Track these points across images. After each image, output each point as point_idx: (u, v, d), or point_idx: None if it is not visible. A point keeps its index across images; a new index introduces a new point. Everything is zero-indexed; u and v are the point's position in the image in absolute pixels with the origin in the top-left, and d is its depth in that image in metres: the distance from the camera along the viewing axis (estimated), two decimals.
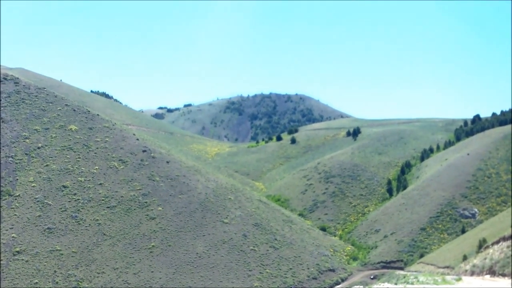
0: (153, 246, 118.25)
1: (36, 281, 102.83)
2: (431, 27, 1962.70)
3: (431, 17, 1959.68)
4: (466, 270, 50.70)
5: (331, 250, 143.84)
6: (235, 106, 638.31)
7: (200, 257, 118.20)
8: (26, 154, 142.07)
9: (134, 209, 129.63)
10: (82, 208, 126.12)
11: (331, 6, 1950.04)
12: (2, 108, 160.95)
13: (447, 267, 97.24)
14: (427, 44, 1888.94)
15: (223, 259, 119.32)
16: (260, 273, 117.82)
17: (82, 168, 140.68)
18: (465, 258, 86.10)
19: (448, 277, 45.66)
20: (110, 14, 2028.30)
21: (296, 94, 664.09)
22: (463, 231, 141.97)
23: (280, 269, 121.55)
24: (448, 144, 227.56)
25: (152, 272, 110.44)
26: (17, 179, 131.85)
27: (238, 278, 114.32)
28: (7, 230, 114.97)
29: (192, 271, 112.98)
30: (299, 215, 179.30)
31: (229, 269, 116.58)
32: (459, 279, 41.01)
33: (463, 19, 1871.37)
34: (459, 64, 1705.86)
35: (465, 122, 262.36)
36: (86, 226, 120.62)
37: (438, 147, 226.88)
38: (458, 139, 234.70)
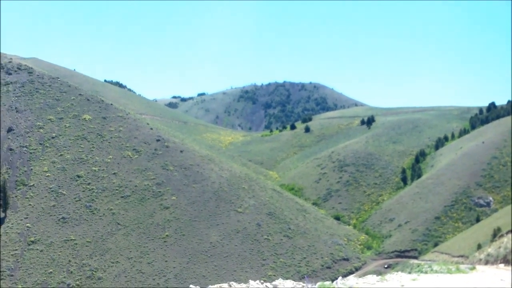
0: (167, 235, 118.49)
1: (51, 270, 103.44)
2: (446, 16, 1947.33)
3: (445, 6, 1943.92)
4: (480, 259, 50.16)
5: (345, 239, 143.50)
6: (249, 95, 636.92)
7: (214, 246, 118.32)
8: (40, 144, 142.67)
9: (148, 199, 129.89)
10: (96, 198, 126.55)
11: None
12: (16, 98, 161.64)
13: (462, 256, 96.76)
14: (442, 33, 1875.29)
15: (237, 249, 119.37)
16: (274, 262, 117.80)
17: (96, 158, 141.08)
18: (479, 247, 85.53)
19: (462, 266, 45.19)
20: (124, 4, 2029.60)
21: (310, 83, 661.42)
22: (478, 220, 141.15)
23: (294, 259, 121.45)
24: (463, 132, 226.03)
25: (166, 261, 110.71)
26: (32, 169, 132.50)
27: (252, 267, 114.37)
28: (21, 219, 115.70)
29: (206, 261, 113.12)
30: (313, 204, 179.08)
31: (243, 258, 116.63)
32: (473, 268, 40.52)
33: (480, 7, 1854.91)
34: (474, 52, 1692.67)
35: (480, 110, 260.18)
36: (100, 216, 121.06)
37: (453, 136, 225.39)
38: (473, 127, 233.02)
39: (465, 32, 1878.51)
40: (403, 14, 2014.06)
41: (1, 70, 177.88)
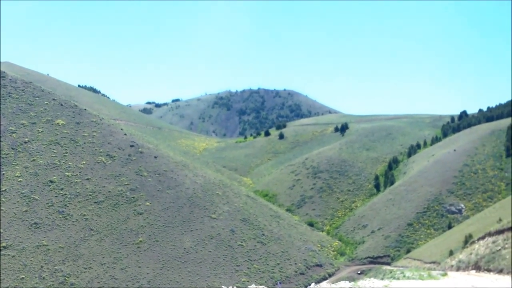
0: (140, 241, 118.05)
1: (23, 276, 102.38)
2: (417, 23, 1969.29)
3: (418, 14, 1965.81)
4: (452, 266, 50.95)
5: (319, 245, 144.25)
6: (223, 101, 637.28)
7: (187, 252, 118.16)
8: (12, 148, 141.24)
9: (122, 204, 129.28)
10: (69, 203, 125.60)
11: (319, 3, 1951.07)
12: None
13: (434, 262, 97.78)
14: (414, 40, 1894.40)
15: (211, 255, 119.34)
16: (248, 268, 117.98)
17: (69, 163, 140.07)
18: (451, 253, 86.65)
19: (434, 272, 45.91)
20: (98, 8, 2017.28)
21: (284, 90, 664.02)
22: (450, 227, 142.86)
23: (267, 265, 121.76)
24: (435, 140, 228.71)
25: (140, 267, 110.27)
26: (4, 174, 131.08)
27: (226, 273, 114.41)
28: None
29: (180, 267, 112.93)
30: (287, 210, 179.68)
31: (217, 264, 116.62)
32: (445, 275, 41.23)
33: (451, 15, 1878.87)
34: (446, 61, 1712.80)
35: (452, 118, 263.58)
36: (73, 221, 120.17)
37: (425, 143, 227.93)
38: (445, 135, 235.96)
39: (437, 42, 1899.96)
40: (376, 23, 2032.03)
41: None
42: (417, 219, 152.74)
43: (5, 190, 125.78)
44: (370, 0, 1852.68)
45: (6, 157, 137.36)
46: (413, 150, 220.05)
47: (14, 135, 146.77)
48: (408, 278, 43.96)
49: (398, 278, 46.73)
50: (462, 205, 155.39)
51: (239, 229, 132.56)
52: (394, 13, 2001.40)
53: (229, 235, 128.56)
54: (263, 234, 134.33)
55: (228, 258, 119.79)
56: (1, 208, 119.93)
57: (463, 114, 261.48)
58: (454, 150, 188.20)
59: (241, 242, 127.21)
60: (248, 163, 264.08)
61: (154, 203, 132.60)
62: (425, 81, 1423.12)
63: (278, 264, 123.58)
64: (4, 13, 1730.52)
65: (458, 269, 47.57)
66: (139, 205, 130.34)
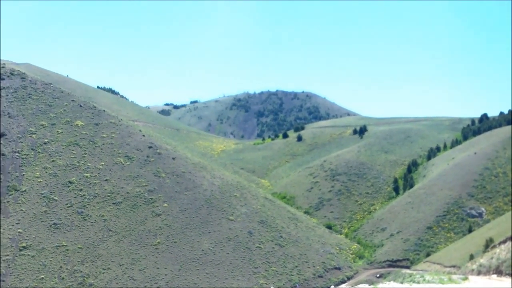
0: (158, 242, 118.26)
1: (42, 276, 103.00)
2: (437, 26, 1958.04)
3: (437, 16, 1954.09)
4: (472, 270, 50.26)
5: (337, 248, 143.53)
6: (241, 103, 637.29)
7: (205, 254, 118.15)
8: (32, 149, 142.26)
9: (140, 206, 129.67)
10: (88, 204, 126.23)
11: (338, 4, 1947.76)
12: (9, 103, 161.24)
13: (454, 266, 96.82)
14: (435, 43, 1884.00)
15: (229, 256, 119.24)
16: (266, 270, 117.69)
17: (88, 164, 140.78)
18: (471, 257, 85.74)
19: (454, 277, 45.31)
20: (117, 10, 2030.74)
21: (303, 92, 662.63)
22: (470, 231, 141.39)
23: (285, 267, 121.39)
24: (455, 143, 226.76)
25: (158, 268, 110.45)
26: (23, 175, 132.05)
27: (244, 275, 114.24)
28: (13, 225, 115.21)
29: (198, 268, 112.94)
30: (305, 212, 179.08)
31: (235, 266, 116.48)
32: (466, 279, 40.66)
33: (468, 18, 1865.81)
34: (466, 63, 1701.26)
35: (472, 121, 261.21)
36: (92, 222, 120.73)
37: (445, 146, 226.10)
38: (465, 138, 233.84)
39: (458, 43, 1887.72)
40: (396, 25, 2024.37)
41: None
42: (437, 222, 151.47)
43: (25, 190, 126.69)
44: (389, 1, 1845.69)
45: (26, 158, 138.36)
46: (432, 153, 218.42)
47: (34, 136, 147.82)
48: (428, 281, 43.40)
49: (418, 282, 46.15)
50: (483, 209, 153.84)
51: (257, 231, 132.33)
52: (412, 14, 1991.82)
53: (247, 237, 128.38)
54: (281, 236, 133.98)
55: (246, 260, 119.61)
56: (21, 208, 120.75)
57: (484, 116, 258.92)
58: (475, 153, 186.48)
59: (259, 244, 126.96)
60: (266, 165, 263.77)
61: (172, 204, 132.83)
62: (445, 84, 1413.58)
63: (296, 266, 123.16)
64: (24, 14, 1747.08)
65: (479, 273, 46.93)
66: (157, 206, 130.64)
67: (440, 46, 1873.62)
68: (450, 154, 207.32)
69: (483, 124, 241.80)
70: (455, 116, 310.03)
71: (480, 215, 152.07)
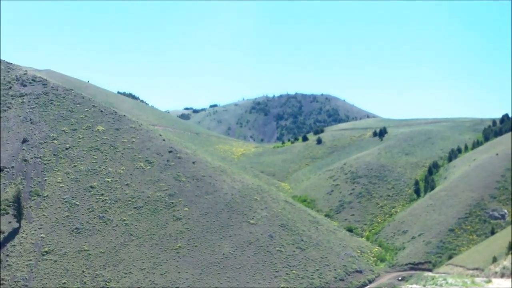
0: (179, 246, 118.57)
1: (64, 281, 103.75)
2: (459, 27, 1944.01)
3: (457, 16, 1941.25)
4: (496, 272, 49.81)
5: (358, 251, 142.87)
6: (261, 107, 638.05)
7: (226, 257, 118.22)
8: (54, 155, 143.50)
9: (161, 210, 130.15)
10: (109, 209, 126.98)
11: (358, 6, 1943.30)
12: (31, 110, 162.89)
13: (477, 269, 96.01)
14: (456, 44, 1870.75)
15: (250, 260, 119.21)
16: (287, 274, 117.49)
17: (109, 169, 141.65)
18: (494, 259, 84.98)
19: (477, 279, 44.94)
20: (137, 16, 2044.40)
21: (322, 94, 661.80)
22: (493, 233, 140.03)
23: (306, 270, 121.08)
24: (476, 144, 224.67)
25: (179, 272, 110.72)
26: (46, 180, 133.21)
27: (265, 279, 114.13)
28: (36, 230, 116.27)
29: (219, 272, 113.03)
30: (326, 216, 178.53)
31: (256, 270, 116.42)
32: (489, 281, 40.34)
33: (490, 18, 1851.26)
34: (487, 63, 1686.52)
35: (494, 121, 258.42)
36: (113, 227, 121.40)
37: (466, 147, 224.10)
38: (486, 139, 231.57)
39: (478, 44, 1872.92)
40: (416, 27, 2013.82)
41: (17, 81, 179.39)
42: (459, 224, 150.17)
43: (47, 195, 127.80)
44: (405, 1, 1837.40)
45: (48, 163, 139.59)
46: (453, 155, 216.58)
47: (55, 141, 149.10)
48: (451, 284, 43.13)
49: (440, 285, 45.90)
50: (505, 211, 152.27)
51: (278, 234, 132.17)
52: (430, 15, 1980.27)
53: (268, 240, 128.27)
54: (302, 240, 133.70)
55: (267, 263, 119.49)
56: (43, 213, 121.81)
57: (505, 117, 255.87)
58: (496, 154, 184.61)
59: (280, 247, 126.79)
60: (286, 168, 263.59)
61: (193, 208, 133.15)
62: (466, 84, 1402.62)
63: (317, 270, 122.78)
64: (45, 21, 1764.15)
65: (502, 275, 46.53)
66: (178, 210, 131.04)
67: (461, 47, 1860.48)
68: (472, 155, 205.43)
69: (505, 125, 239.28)
70: (476, 117, 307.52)
71: (503, 216, 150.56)
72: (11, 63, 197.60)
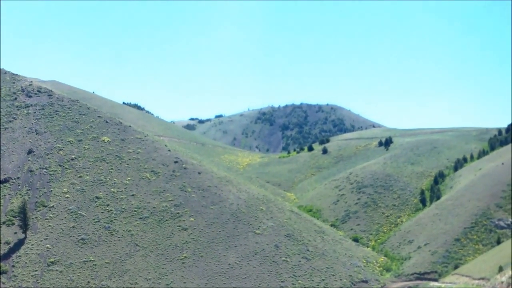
0: (185, 257, 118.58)
1: None
2: (465, 37, 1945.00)
3: (465, 27, 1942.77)
4: (502, 282, 49.77)
5: (364, 261, 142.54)
6: (266, 117, 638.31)
7: (232, 268, 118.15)
8: (60, 165, 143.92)
9: (166, 220, 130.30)
10: (115, 219, 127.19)
11: (364, 17, 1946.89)
12: (36, 121, 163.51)
13: (483, 278, 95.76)
14: (462, 54, 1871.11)
15: (255, 270, 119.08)
16: (293, 284, 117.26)
17: (115, 179, 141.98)
18: (501, 269, 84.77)
19: None
20: (142, 27, 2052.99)
21: (327, 104, 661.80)
22: (499, 242, 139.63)
23: (312, 280, 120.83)
24: (482, 153, 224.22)
25: (185, 283, 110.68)
26: (51, 190, 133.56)
27: None
28: (41, 240, 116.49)
29: (224, 282, 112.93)
30: (331, 225, 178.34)
31: (261, 280, 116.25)
32: None
33: (498, 31, 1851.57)
34: (493, 73, 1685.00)
35: (499, 131, 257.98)
36: (119, 237, 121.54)
37: (472, 157, 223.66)
38: (492, 148, 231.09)
39: (484, 54, 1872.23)
40: (420, 37, 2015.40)
41: (22, 92, 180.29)
42: (465, 234, 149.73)
43: (53, 206, 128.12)
44: (414, 0, 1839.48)
45: (53, 174, 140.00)
46: (459, 164, 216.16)
47: (61, 152, 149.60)
48: None
49: None
50: (511, 220, 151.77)
51: (284, 244, 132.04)
52: (436, 26, 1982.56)
53: (274, 250, 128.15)
54: (308, 250, 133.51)
55: (273, 273, 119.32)
56: (49, 224, 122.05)
57: (511, 126, 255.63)
58: (502, 164, 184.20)
59: (286, 257, 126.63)
60: (291, 178, 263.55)
61: (199, 218, 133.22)
62: (471, 94, 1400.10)
63: (323, 280, 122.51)
64: (50, 33, 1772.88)
65: (508, 285, 46.46)
66: (184, 220, 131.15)
67: (467, 57, 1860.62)
68: (478, 164, 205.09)
69: (510, 134, 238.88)
70: (482, 126, 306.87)
71: (509, 226, 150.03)
72: (17, 74, 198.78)
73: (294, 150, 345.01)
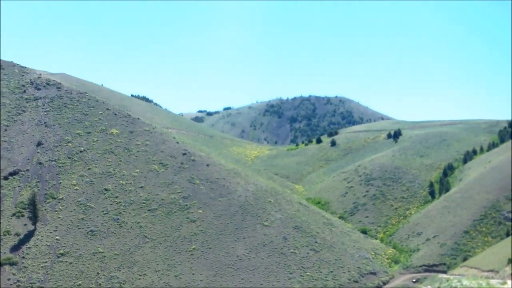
0: (193, 248, 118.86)
1: (80, 283, 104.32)
2: (474, 29, 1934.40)
3: (470, 18, 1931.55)
4: (511, 274, 49.50)
5: (372, 253, 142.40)
6: (275, 109, 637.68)
7: (240, 259, 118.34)
8: (69, 157, 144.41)
9: (175, 212, 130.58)
10: (123, 211, 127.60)
11: (372, 9, 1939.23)
12: (45, 113, 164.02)
13: (491, 270, 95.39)
14: (470, 46, 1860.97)
15: (264, 262, 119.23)
16: (301, 276, 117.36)
17: (124, 171, 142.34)
18: (509, 261, 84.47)
19: (492, 281, 44.74)
20: (150, 20, 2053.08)
21: (336, 97, 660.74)
22: (508, 234, 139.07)
23: (320, 272, 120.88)
24: (492, 146, 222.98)
25: (193, 274, 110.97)
26: (60, 183, 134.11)
27: (279, 280, 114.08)
28: (51, 232, 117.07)
29: (233, 274, 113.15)
30: (340, 218, 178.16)
31: (270, 271, 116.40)
32: (504, 283, 40.17)
33: (504, 20, 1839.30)
34: (503, 64, 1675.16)
35: (510, 123, 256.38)
36: (128, 229, 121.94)
37: (481, 149, 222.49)
38: (502, 140, 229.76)
39: (492, 45, 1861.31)
40: (429, 28, 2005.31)
41: (31, 85, 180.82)
42: (474, 226, 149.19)
43: (62, 198, 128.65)
44: (420, 2, 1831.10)
45: (62, 166, 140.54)
46: (469, 157, 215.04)
47: (70, 144, 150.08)
48: (466, 286, 42.93)
49: (455, 287, 45.71)
50: None
51: (292, 236, 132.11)
52: (444, 18, 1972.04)
53: (282, 242, 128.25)
54: (316, 242, 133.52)
55: (281, 265, 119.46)
56: (58, 216, 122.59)
57: None
58: None
59: (294, 249, 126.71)
60: (300, 170, 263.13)
61: (207, 210, 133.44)
62: (481, 86, 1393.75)
63: (331, 272, 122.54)
64: (59, 25, 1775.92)
65: None
66: (192, 212, 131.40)
67: (476, 48, 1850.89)
68: (487, 157, 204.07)
69: None
70: (491, 119, 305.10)
71: None
72: (25, 67, 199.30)
73: (303, 142, 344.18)
